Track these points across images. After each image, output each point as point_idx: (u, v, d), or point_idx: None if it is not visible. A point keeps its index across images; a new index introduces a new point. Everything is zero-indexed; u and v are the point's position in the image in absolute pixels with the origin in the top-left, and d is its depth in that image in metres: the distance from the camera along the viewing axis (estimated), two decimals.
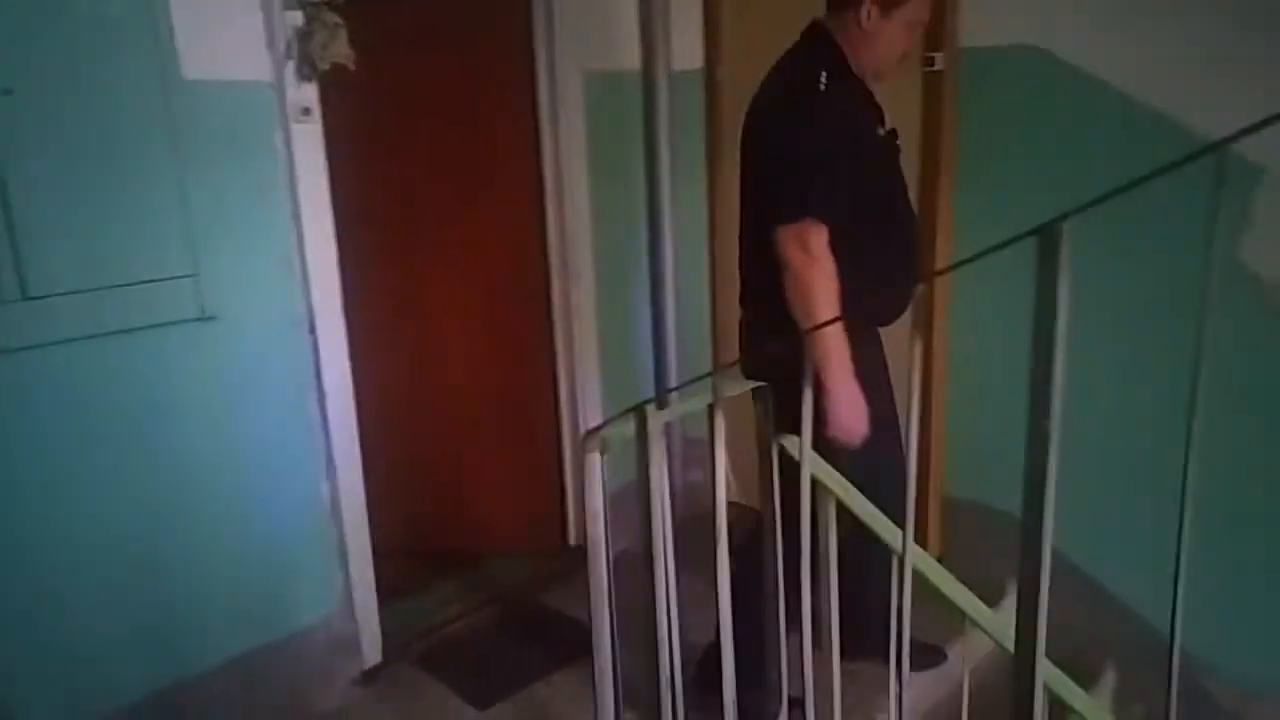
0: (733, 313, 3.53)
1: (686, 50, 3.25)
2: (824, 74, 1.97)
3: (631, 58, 3.11)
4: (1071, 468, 1.09)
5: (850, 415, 1.97)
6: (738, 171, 2.22)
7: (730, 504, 1.72)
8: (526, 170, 3.10)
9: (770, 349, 2.08)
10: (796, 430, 1.67)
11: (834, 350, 1.94)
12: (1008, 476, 1.06)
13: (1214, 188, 0.85)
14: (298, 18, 2.29)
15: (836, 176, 1.95)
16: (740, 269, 2.26)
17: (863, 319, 2.08)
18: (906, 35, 2.04)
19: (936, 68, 2.71)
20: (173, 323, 2.22)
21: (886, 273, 2.07)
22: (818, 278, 1.94)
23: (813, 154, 1.94)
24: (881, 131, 2.06)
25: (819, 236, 1.93)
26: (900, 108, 2.79)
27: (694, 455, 3.43)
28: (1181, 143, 2.27)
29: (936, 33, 2.68)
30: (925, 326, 1.34)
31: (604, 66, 3.11)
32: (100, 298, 2.08)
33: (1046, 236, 0.92)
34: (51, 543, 2.11)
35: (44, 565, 2.11)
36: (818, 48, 2.05)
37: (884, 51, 2.03)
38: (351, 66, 2.37)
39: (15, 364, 2.00)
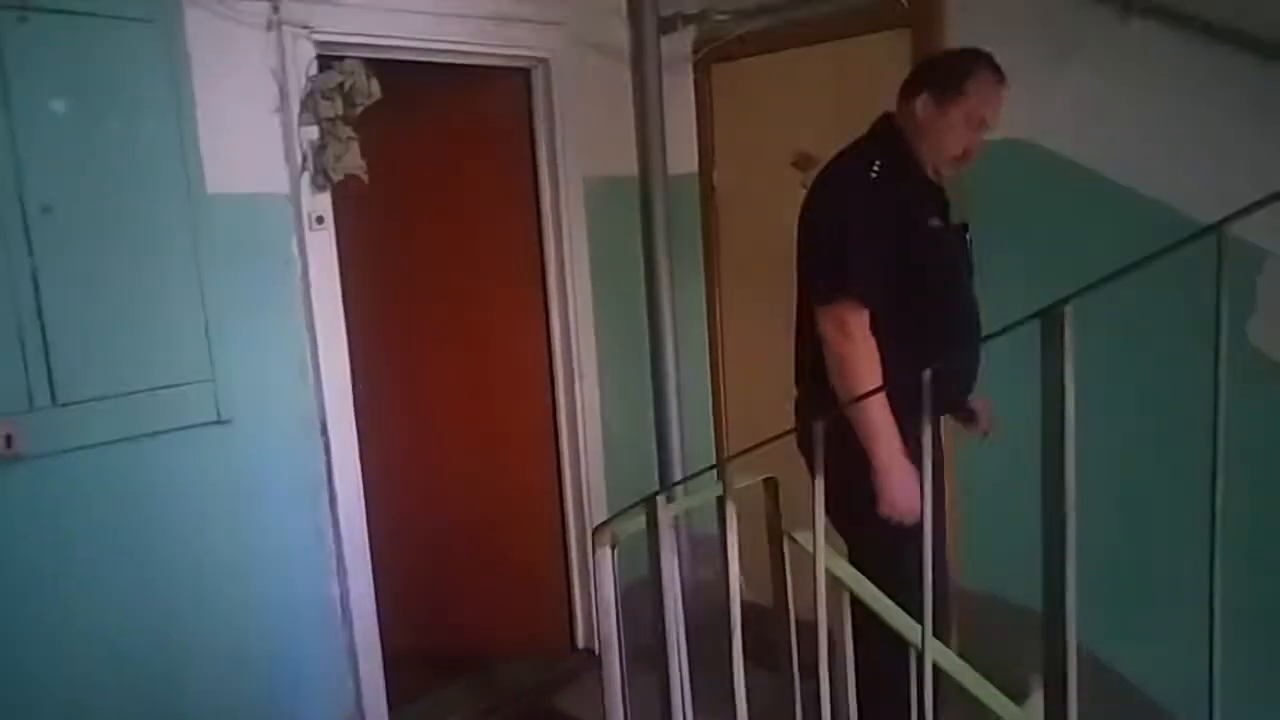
0: (737, 407, 3.61)
1: (682, 155, 3.37)
2: (878, 163, 2.03)
3: (629, 163, 3.24)
4: (1089, 553, 1.10)
5: (901, 493, 1.96)
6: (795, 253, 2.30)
7: (741, 603, 1.71)
8: (530, 271, 3.18)
9: (815, 427, 2.08)
10: (845, 513, 1.71)
11: (880, 428, 1.95)
12: (1023, 568, 1.06)
13: (1216, 268, 0.87)
14: (313, 132, 2.40)
15: (877, 262, 1.98)
16: (794, 348, 2.32)
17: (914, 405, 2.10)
18: (968, 130, 2.03)
19: None
20: (190, 426, 2.27)
21: (942, 359, 2.04)
22: (856, 358, 1.98)
23: (854, 238, 1.98)
24: (936, 223, 2.07)
25: (858, 318, 1.97)
26: None
27: (702, 553, 3.41)
28: (1178, 227, 2.33)
29: None
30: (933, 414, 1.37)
31: (603, 172, 3.22)
32: (124, 403, 2.14)
33: (1049, 319, 0.95)
34: (64, 649, 2.11)
35: (56, 673, 2.10)
36: (880, 137, 2.10)
37: (943, 144, 2.03)
38: (364, 177, 2.47)
39: (44, 469, 2.05)
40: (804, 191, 3.24)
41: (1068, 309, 0.96)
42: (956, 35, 2.72)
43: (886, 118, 2.14)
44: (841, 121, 3.02)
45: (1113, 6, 2.40)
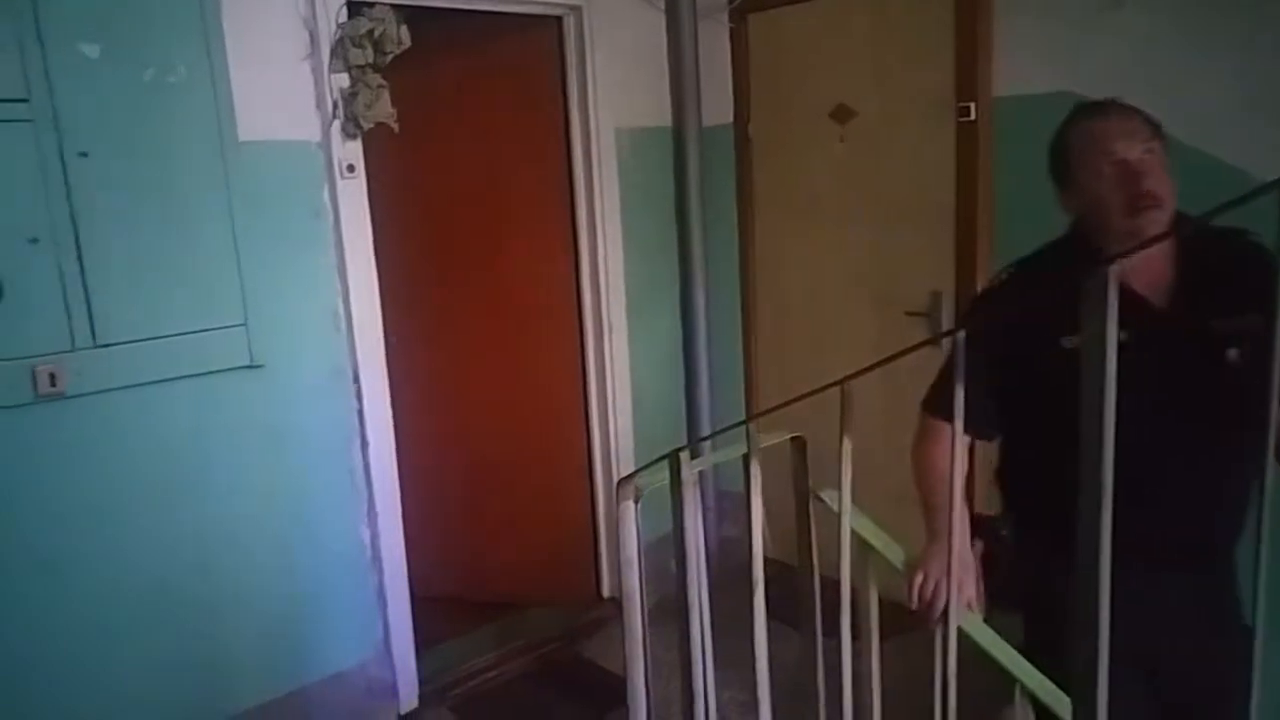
0: (768, 367, 3.59)
1: (716, 106, 3.32)
2: (1012, 267, 1.74)
3: (663, 114, 3.20)
4: None
5: (930, 568, 1.69)
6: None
7: (766, 560, 1.71)
8: (561, 223, 3.17)
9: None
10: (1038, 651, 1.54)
11: (941, 504, 1.72)
12: None
13: (1275, 228, 0.82)
14: (344, 80, 2.39)
15: (976, 387, 1.62)
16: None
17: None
18: (1112, 186, 1.55)
19: (969, 118, 2.74)
20: (224, 370, 2.31)
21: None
22: (917, 462, 1.81)
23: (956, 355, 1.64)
24: (1068, 343, 1.49)
25: (935, 432, 1.76)
26: (934, 158, 2.84)
27: (728, 509, 3.43)
28: (1230, 182, 2.26)
29: (969, 83, 2.73)
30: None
31: (636, 123, 3.19)
32: (161, 345, 2.19)
33: (1095, 278, 0.92)
34: (99, 579, 2.18)
35: (90, 601, 2.18)
36: (1061, 239, 1.72)
37: (1107, 219, 1.57)
38: (394, 125, 2.46)
39: (86, 407, 2.11)
40: (841, 144, 3.24)
41: (1113, 269, 0.92)
42: None
43: None
44: (880, 74, 2.99)
45: None
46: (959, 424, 1.24)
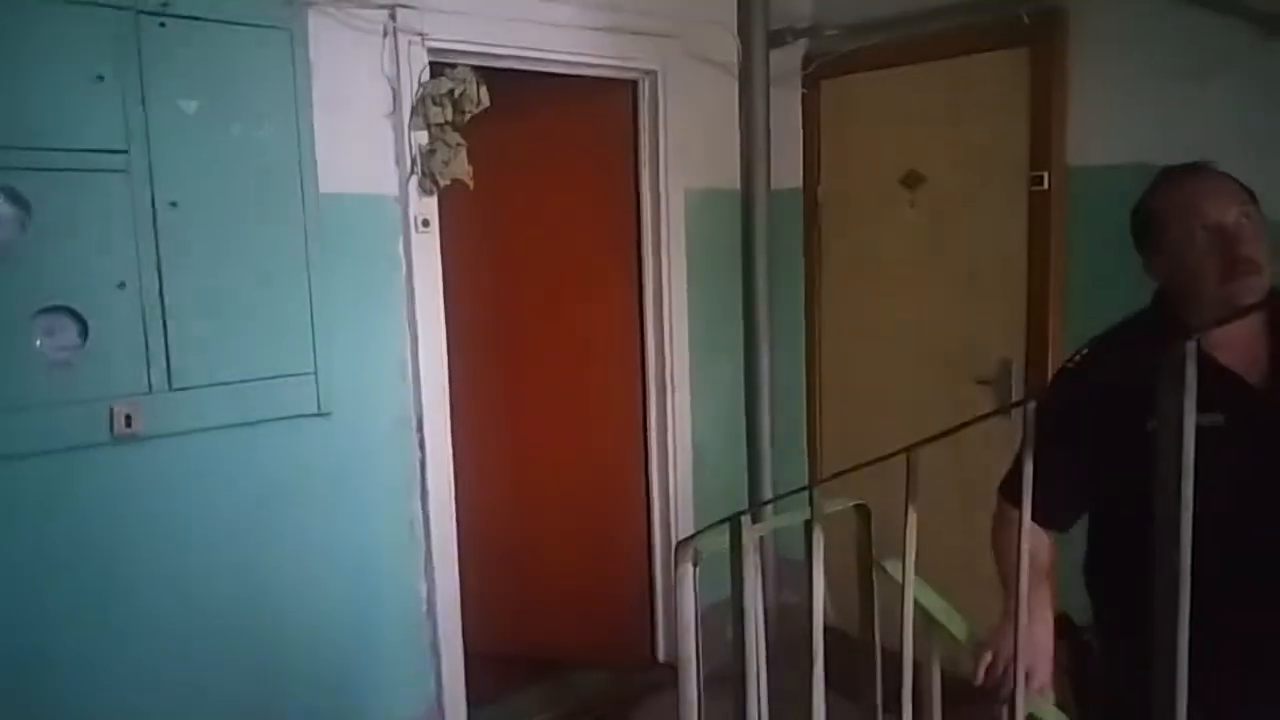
0: (832, 431, 3.54)
1: (787, 170, 3.33)
2: (1086, 349, 1.64)
3: (733, 176, 3.22)
4: None
5: (997, 654, 1.59)
6: None
7: (828, 629, 1.65)
8: (628, 281, 3.20)
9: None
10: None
11: (1008, 583, 1.62)
12: None
13: None
14: (423, 137, 2.46)
15: (1048, 471, 1.49)
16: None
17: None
18: (1205, 252, 1.45)
19: (1043, 186, 2.71)
20: (293, 416, 2.35)
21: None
22: (995, 547, 1.74)
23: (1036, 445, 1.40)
24: (1153, 426, 1.25)
25: (1011, 518, 1.64)
26: (1007, 225, 2.80)
27: (787, 575, 3.35)
28: None
29: (1043, 151, 2.70)
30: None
31: (706, 184, 3.22)
32: (233, 391, 2.24)
33: (1173, 355, 0.89)
34: (164, 619, 2.21)
35: (154, 640, 2.20)
36: (1152, 304, 1.61)
37: (1198, 288, 1.47)
38: (470, 183, 2.52)
39: (159, 449, 2.16)
40: (912, 210, 3.22)
41: (1190, 345, 0.89)
42: (1077, 54, 2.62)
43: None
44: (954, 141, 2.98)
45: (1253, 25, 2.26)
46: (1026, 501, 1.18)
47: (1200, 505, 0.96)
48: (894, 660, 1.62)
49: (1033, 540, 1.58)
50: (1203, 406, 1.00)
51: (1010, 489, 1.63)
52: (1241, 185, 1.49)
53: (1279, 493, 1.42)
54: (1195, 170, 1.53)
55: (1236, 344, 1.45)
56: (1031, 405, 1.16)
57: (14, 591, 2.01)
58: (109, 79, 2.00)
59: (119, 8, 2.02)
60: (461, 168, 2.49)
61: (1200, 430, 0.97)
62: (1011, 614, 1.50)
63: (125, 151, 2.03)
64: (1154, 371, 1.02)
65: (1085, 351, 1.62)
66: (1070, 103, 2.66)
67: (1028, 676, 1.47)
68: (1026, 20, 2.66)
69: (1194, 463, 0.97)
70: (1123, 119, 2.55)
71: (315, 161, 2.31)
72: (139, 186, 2.05)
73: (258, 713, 2.37)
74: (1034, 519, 1.54)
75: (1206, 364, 1.31)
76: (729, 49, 3.16)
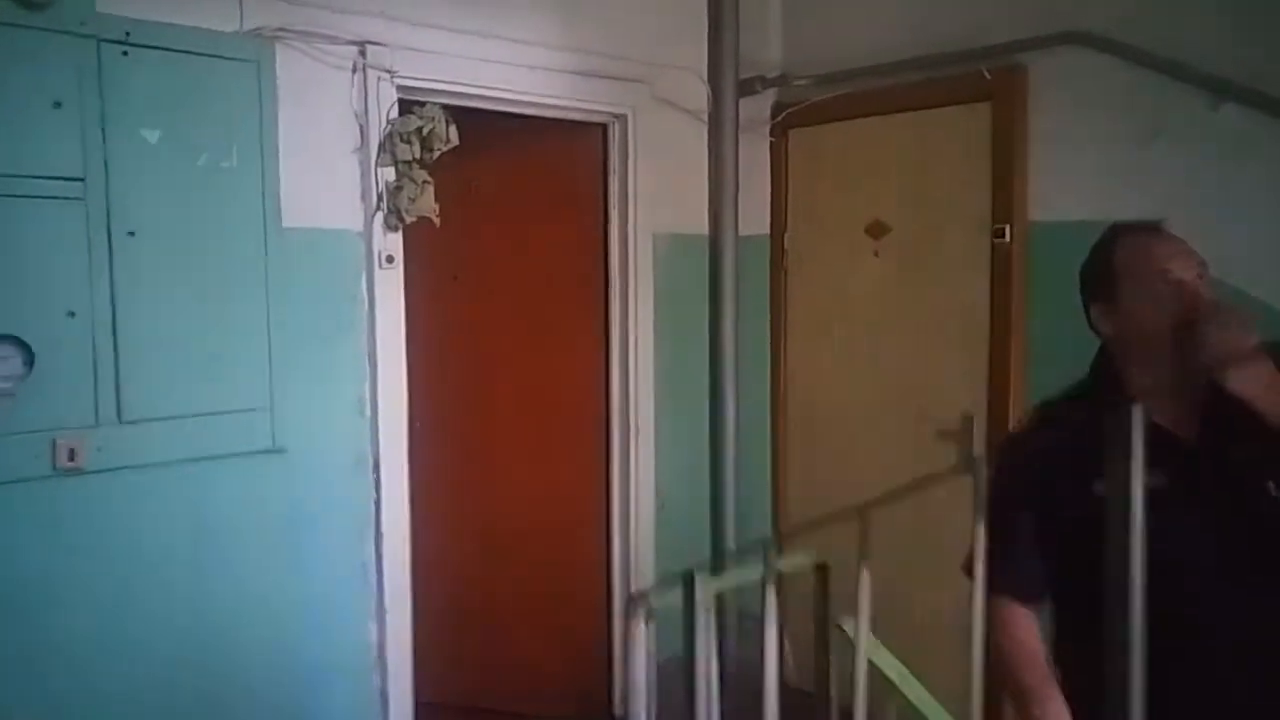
0: (796, 480, 3.53)
1: (754, 216, 3.35)
2: (1038, 409, 1.64)
3: (700, 222, 3.23)
4: None
5: None
6: None
7: (789, 689, 1.61)
8: (593, 324, 3.18)
9: None
10: None
11: (1032, 690, 1.56)
12: None
13: None
14: (390, 174, 2.45)
15: (1014, 547, 1.52)
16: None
17: None
18: (1165, 304, 1.44)
19: (1005, 239, 2.74)
20: (246, 453, 2.29)
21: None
22: (1001, 657, 1.60)
23: (993, 516, 1.31)
24: (1099, 489, 1.19)
25: (1008, 615, 1.59)
26: (969, 277, 2.83)
27: (749, 629, 3.30)
28: (1270, 322, 2.22)
29: (1005, 206, 2.74)
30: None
31: (674, 229, 3.22)
32: (185, 425, 2.18)
33: (1117, 417, 0.89)
34: (107, 657, 2.14)
35: (97, 678, 2.13)
36: (1092, 368, 1.60)
37: (1151, 347, 1.46)
38: (436, 220, 2.51)
39: (102, 484, 2.10)
40: (876, 259, 3.24)
41: (1136, 408, 0.89)
42: (1039, 112, 2.67)
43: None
44: (918, 191, 3.02)
45: (1202, 90, 2.32)
46: (979, 571, 1.15)
47: (1151, 565, 0.90)
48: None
49: (1027, 631, 1.57)
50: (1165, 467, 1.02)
51: (991, 581, 1.58)
52: (1193, 249, 1.51)
53: (1222, 549, 1.41)
54: (1157, 227, 1.55)
55: (1168, 402, 1.46)
56: (982, 470, 1.15)
57: None
58: (67, 105, 1.96)
59: (80, 35, 1.98)
60: (428, 204, 2.48)
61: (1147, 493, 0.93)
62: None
63: (81, 180, 1.99)
64: (1096, 435, 0.96)
65: (1031, 417, 1.64)
66: (1030, 158, 2.72)
67: None
68: (988, 76, 2.72)
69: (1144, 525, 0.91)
70: (1081, 176, 2.61)
71: (279, 195, 2.28)
72: (95, 214, 2.01)
73: None
74: (1010, 594, 1.57)
75: (1160, 437, 1.31)
76: (699, 95, 3.19)
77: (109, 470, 2.09)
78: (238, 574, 2.31)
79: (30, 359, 1.95)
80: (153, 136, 2.07)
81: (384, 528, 2.57)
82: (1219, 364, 1.35)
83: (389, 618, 2.59)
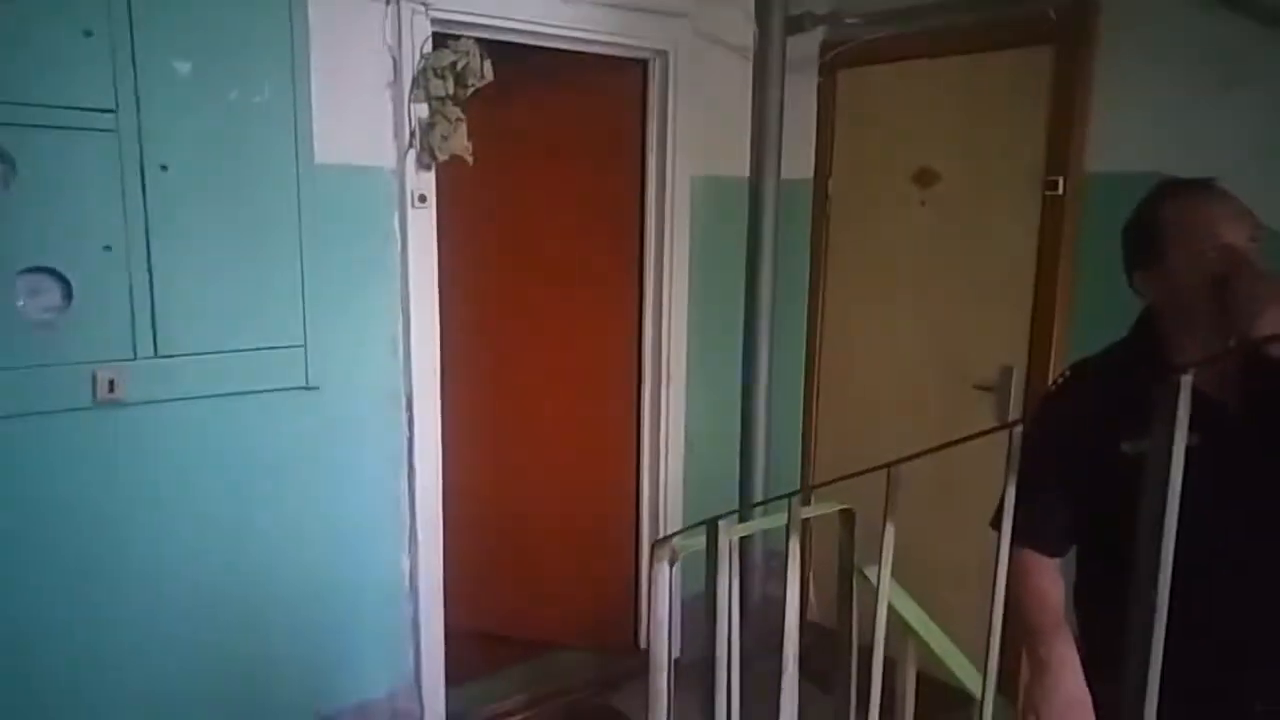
0: (829, 430, 3.50)
1: (797, 160, 3.26)
2: (1068, 370, 1.62)
3: (742, 164, 3.15)
4: None
5: (1047, 701, 1.50)
6: None
7: (811, 625, 1.62)
8: (627, 268, 3.15)
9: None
10: None
11: (1040, 628, 1.57)
12: None
13: None
14: (423, 110, 2.41)
15: (1045, 501, 1.54)
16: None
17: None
18: (1212, 272, 1.38)
19: (1058, 192, 2.64)
20: (280, 389, 2.33)
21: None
22: (1017, 603, 1.57)
23: (1025, 469, 1.38)
24: (1128, 448, 1.41)
25: (1030, 564, 1.59)
26: (1017, 230, 2.74)
27: (775, 569, 3.32)
28: None
29: (1060, 156, 2.63)
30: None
31: (713, 171, 3.15)
32: (220, 360, 2.21)
33: (1166, 386, 0.86)
34: (142, 584, 2.21)
35: (132, 603, 2.20)
36: (1135, 328, 1.57)
37: (1190, 311, 1.42)
38: (469, 159, 2.47)
39: (142, 415, 2.14)
40: (922, 209, 3.15)
41: (1187, 378, 0.85)
42: (1104, 56, 2.54)
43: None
44: (970, 139, 2.91)
45: None
46: (1006, 524, 1.16)
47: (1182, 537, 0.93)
48: (872, 659, 1.61)
49: (1047, 578, 1.59)
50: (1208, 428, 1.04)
51: (1014, 531, 1.58)
52: (1249, 208, 1.44)
53: (1252, 514, 1.40)
54: (1208, 187, 1.47)
55: (1215, 368, 1.42)
56: (1019, 430, 1.13)
57: None
58: (98, 34, 1.95)
59: None
60: (461, 143, 2.44)
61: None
62: (1047, 666, 1.50)
63: (113, 111, 1.98)
64: (1130, 397, 1.02)
65: (1066, 375, 1.60)
66: (1093, 105, 2.59)
67: None
68: (1053, 16, 2.58)
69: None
70: (1145, 126, 2.48)
71: (312, 131, 2.26)
72: (128, 147, 2.01)
73: (235, 681, 2.37)
74: (1031, 545, 1.59)
75: (1202, 399, 1.20)
76: (744, 32, 3.09)
77: (148, 403, 2.13)
78: (274, 505, 2.37)
79: (68, 292, 1.98)
80: (184, 68, 2.06)
81: (416, 464, 2.60)
82: (1249, 316, 1.29)
83: (421, 550, 2.64)
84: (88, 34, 1.93)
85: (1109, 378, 1.54)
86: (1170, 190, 1.50)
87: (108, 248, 2.02)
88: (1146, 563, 0.93)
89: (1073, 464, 1.52)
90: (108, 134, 1.99)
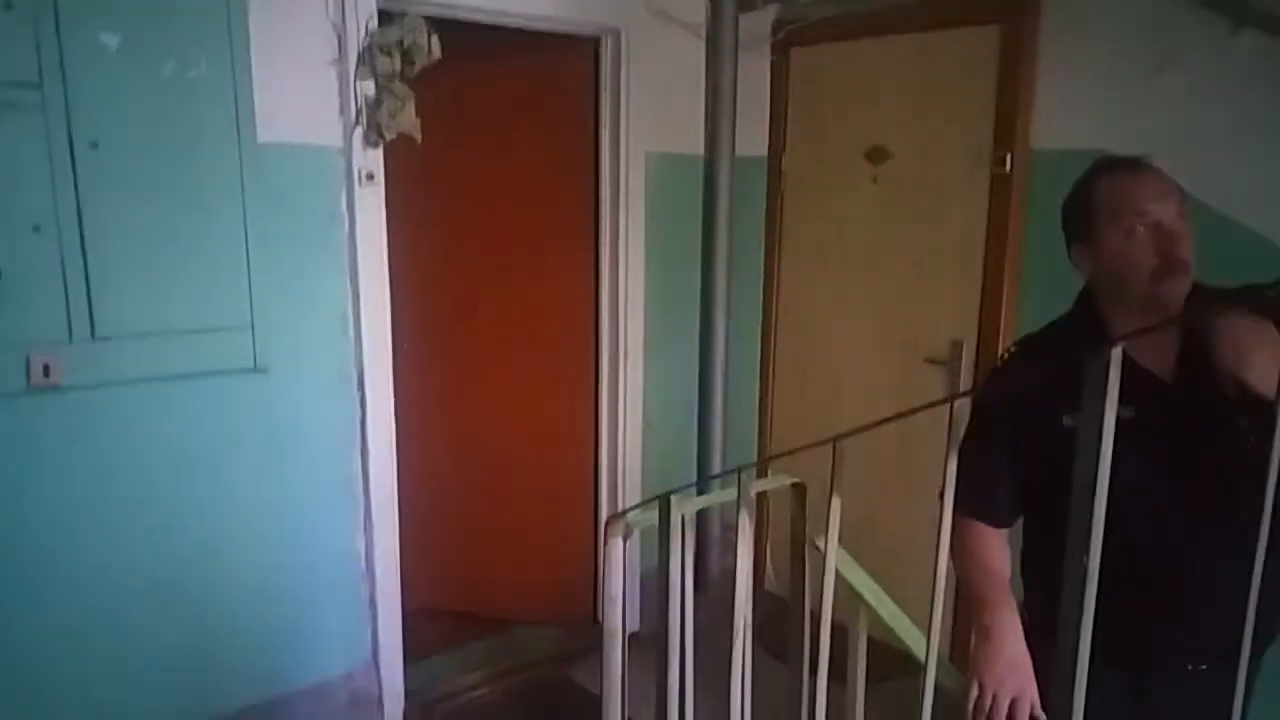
0: (785, 404, 3.52)
1: (751, 138, 3.27)
2: (1013, 346, 1.66)
3: (696, 142, 3.15)
4: None
5: (989, 663, 1.52)
6: None
7: (768, 595, 1.64)
8: (583, 245, 3.13)
9: None
10: None
11: (983, 595, 1.60)
12: None
13: None
14: (370, 88, 2.37)
15: (983, 473, 1.55)
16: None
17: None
18: (1139, 245, 1.45)
19: (1005, 169, 2.67)
20: (226, 371, 2.29)
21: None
22: (956, 560, 1.62)
23: (966, 440, 1.39)
24: (1068, 421, 1.43)
25: (976, 536, 1.64)
26: (967, 206, 2.77)
27: (732, 541, 3.36)
28: (1256, 251, 2.17)
29: (1008, 133, 2.65)
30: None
31: (667, 148, 3.14)
32: (161, 342, 2.17)
33: (1095, 361, 0.88)
34: (88, 572, 2.17)
35: (82, 598, 2.16)
36: (1076, 304, 1.62)
37: (1127, 282, 1.47)
38: (418, 136, 2.44)
39: (79, 400, 2.09)
40: (874, 186, 3.17)
41: (1115, 352, 0.87)
42: (1048, 35, 2.57)
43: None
44: (920, 117, 2.93)
45: (1223, 15, 2.22)
46: (949, 494, 1.19)
47: (1110, 491, 0.98)
48: (832, 631, 1.64)
49: (992, 549, 1.63)
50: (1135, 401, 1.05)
51: (960, 502, 1.52)
52: (1176, 183, 1.48)
53: (1184, 480, 1.45)
54: (1137, 164, 1.52)
55: (1148, 340, 1.46)
56: (960, 402, 1.15)
57: None
58: (18, 6, 1.88)
59: None
60: (409, 121, 2.41)
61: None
62: (988, 633, 1.53)
63: (38, 86, 1.92)
64: (1070, 372, 1.01)
65: (1012, 350, 1.66)
66: (1037, 84, 2.62)
67: (1018, 703, 1.45)
68: None
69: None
70: (1088, 104, 2.52)
71: (253, 108, 2.21)
72: (55, 124, 1.95)
73: (190, 669, 2.35)
74: (979, 517, 1.64)
75: (1134, 373, 1.32)
76: (696, 9, 3.07)
77: (86, 387, 2.08)
78: (223, 490, 2.34)
79: None
80: (112, 41, 1.99)
81: (370, 443, 2.58)
82: (1236, 363, 1.32)
83: (376, 530, 2.63)
84: (8, 6, 1.86)
85: (1051, 353, 1.59)
86: (1102, 166, 1.54)
87: (37, 228, 1.96)
88: (1078, 530, 0.96)
89: (1018, 437, 1.56)
90: (33, 111, 1.92)
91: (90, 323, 2.05)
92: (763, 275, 3.43)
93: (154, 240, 2.12)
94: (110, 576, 2.19)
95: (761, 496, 3.20)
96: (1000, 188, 2.70)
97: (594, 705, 2.79)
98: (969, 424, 1.52)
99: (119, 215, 2.06)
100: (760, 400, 3.51)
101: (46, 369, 2.00)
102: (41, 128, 1.94)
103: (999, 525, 1.65)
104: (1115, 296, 1.50)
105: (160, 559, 2.26)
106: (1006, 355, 1.67)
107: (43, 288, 1.99)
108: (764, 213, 3.39)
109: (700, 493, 3.16)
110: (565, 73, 3.04)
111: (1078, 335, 1.55)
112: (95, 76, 1.99)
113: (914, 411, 1.47)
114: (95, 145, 2.00)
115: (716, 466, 3.26)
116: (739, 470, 1.66)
